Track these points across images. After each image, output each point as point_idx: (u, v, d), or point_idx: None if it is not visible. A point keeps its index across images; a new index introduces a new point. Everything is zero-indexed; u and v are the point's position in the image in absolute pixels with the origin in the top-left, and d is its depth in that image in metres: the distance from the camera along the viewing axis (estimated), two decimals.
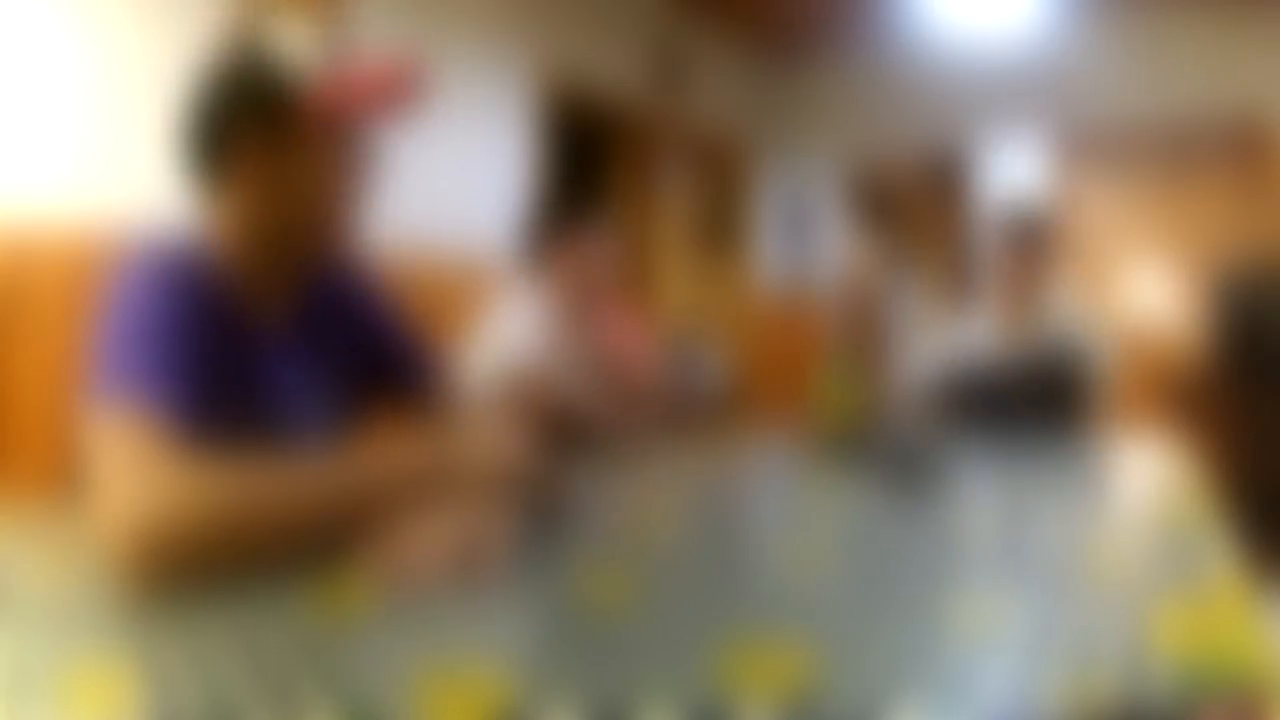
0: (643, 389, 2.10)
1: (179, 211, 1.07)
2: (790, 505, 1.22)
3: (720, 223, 5.38)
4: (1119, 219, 4.87)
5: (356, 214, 1.06)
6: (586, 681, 0.54)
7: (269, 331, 1.06)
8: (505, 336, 2.02)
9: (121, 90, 2.45)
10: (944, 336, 2.01)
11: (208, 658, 0.58)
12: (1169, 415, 3.48)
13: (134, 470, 0.78)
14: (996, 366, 1.88)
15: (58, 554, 0.89)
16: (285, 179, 1.00)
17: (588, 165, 4.58)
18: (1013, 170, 4.98)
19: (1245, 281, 3.61)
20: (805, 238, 5.67)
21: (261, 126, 0.99)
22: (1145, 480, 1.43)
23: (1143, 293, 4.77)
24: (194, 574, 0.73)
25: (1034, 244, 1.98)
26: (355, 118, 1.02)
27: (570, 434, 1.89)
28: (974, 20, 4.87)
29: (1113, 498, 1.33)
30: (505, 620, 0.70)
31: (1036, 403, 1.81)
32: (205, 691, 0.53)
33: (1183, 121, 4.63)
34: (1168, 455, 1.55)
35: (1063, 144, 4.96)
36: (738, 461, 1.73)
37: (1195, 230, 4.62)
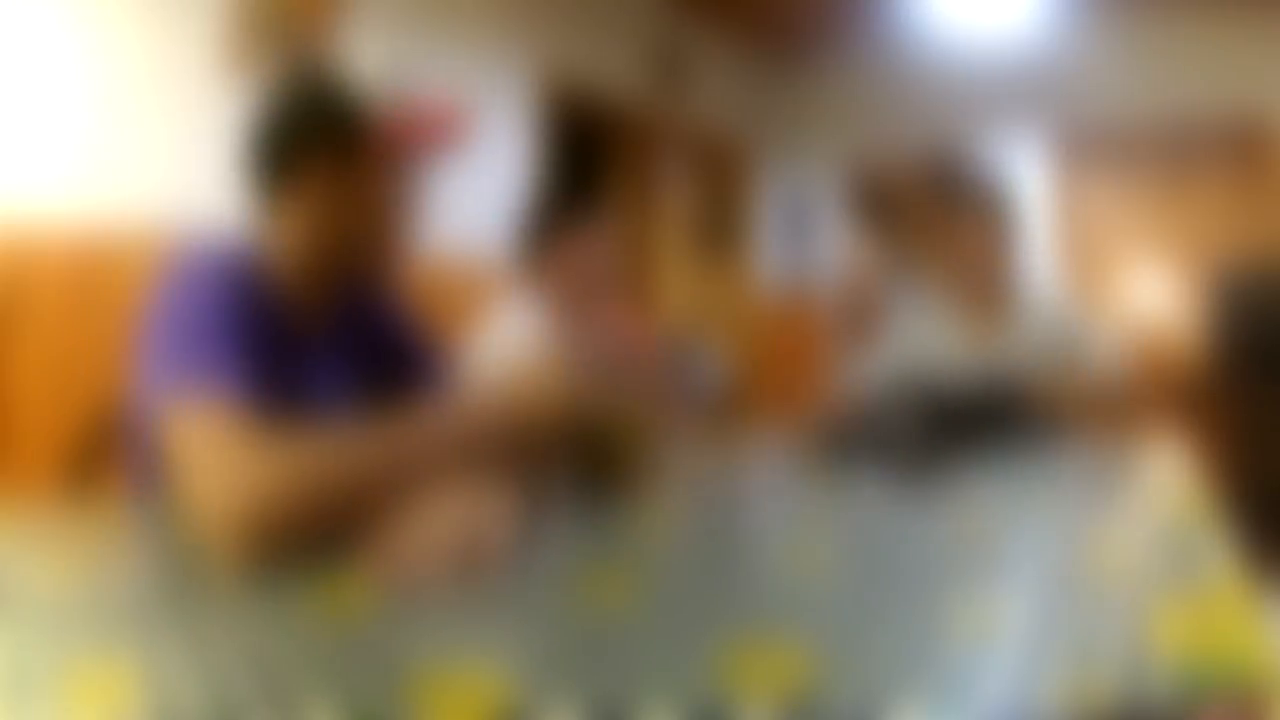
0: (644, 389, 2.10)
1: (192, 214, 1.13)
2: (790, 505, 1.22)
3: (720, 223, 5.38)
4: (1119, 219, 4.86)
5: (406, 239, 1.11)
6: (586, 681, 0.54)
7: (308, 335, 1.11)
8: (505, 341, 2.01)
9: (122, 90, 2.45)
10: (928, 331, 1.96)
11: (209, 657, 0.58)
12: (1170, 415, 3.47)
13: (218, 459, 0.82)
14: (990, 366, 1.88)
15: (58, 554, 0.89)
16: (346, 200, 1.05)
17: (588, 165, 4.58)
18: (1013, 170, 4.97)
19: (1245, 281, 3.61)
20: (805, 238, 5.67)
21: (330, 149, 1.04)
22: (1145, 480, 1.43)
23: (1143, 293, 4.77)
24: (290, 543, 0.78)
25: (999, 223, 1.90)
26: (412, 152, 1.07)
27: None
28: (974, 20, 4.87)
29: (1113, 498, 1.33)
30: (505, 620, 0.70)
31: (1034, 401, 1.80)
32: (206, 691, 0.53)
33: (1183, 121, 4.63)
34: (1169, 455, 1.55)
35: (1063, 144, 4.96)
36: (738, 461, 1.73)
37: (1195, 230, 4.62)
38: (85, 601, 0.73)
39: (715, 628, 0.64)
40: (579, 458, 1.03)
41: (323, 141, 1.03)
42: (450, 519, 0.82)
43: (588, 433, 1.04)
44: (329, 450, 0.85)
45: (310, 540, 0.79)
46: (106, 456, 1.24)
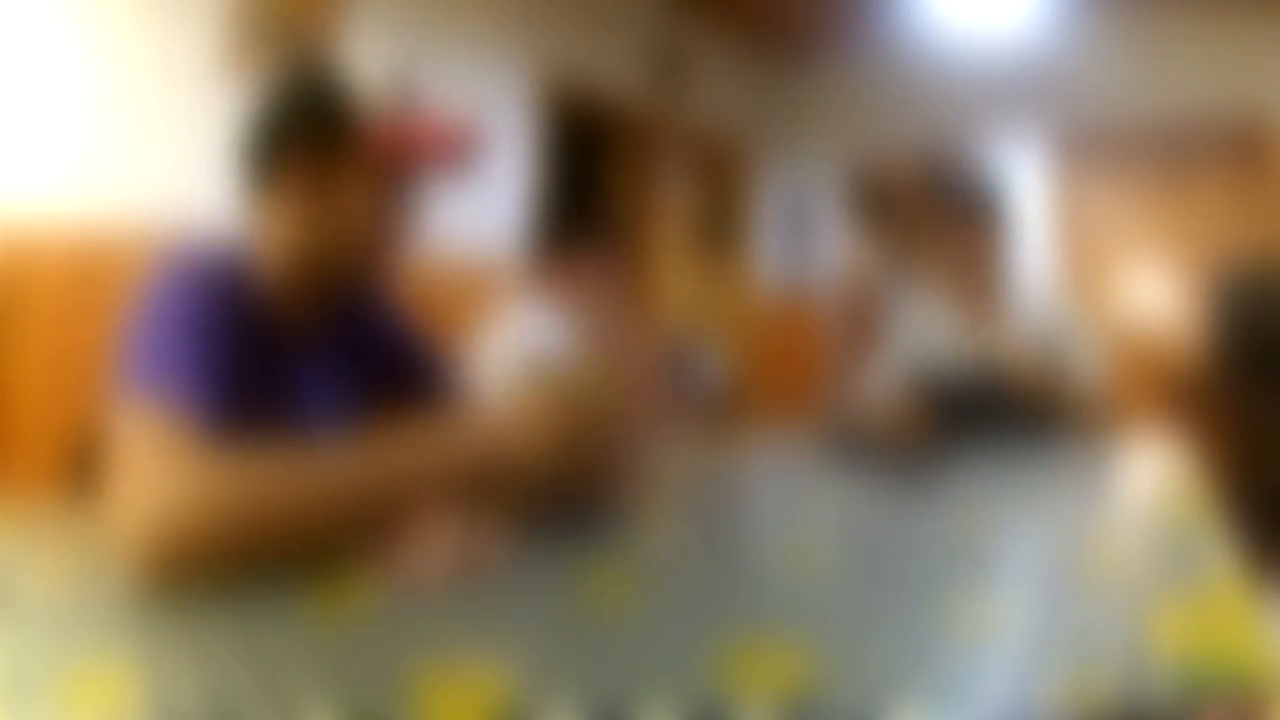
0: (645, 393, 2.10)
1: (192, 214, 1.10)
2: (790, 505, 1.22)
3: (720, 223, 5.38)
4: (1119, 219, 4.87)
5: (398, 249, 1.08)
6: (586, 681, 0.54)
7: (299, 342, 1.07)
8: (514, 344, 2.01)
9: (122, 90, 2.45)
10: (926, 331, 1.97)
11: (208, 658, 0.58)
12: (1169, 415, 3.48)
13: (153, 467, 0.78)
14: (987, 366, 1.88)
15: (59, 554, 0.89)
16: (333, 202, 1.02)
17: (588, 166, 4.58)
18: (1013, 170, 4.98)
19: (1245, 281, 3.61)
20: (805, 238, 5.67)
21: (318, 146, 1.01)
22: (1145, 480, 1.43)
23: (1143, 293, 4.77)
24: (208, 571, 0.73)
25: (995, 223, 1.90)
26: (412, 165, 1.04)
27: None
28: (974, 20, 4.87)
29: (1112, 498, 1.33)
30: (505, 620, 0.70)
31: (1031, 400, 1.80)
32: (206, 692, 0.53)
33: (1183, 121, 4.63)
34: (1168, 455, 1.55)
35: (1063, 144, 4.96)
36: (737, 461, 1.73)
37: (1195, 230, 4.62)
38: (85, 602, 0.73)
39: (715, 628, 0.64)
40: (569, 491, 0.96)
41: (310, 137, 1.01)
42: (446, 536, 0.82)
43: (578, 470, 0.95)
44: (277, 474, 0.79)
45: (239, 563, 0.74)
46: (106, 457, 1.23)
